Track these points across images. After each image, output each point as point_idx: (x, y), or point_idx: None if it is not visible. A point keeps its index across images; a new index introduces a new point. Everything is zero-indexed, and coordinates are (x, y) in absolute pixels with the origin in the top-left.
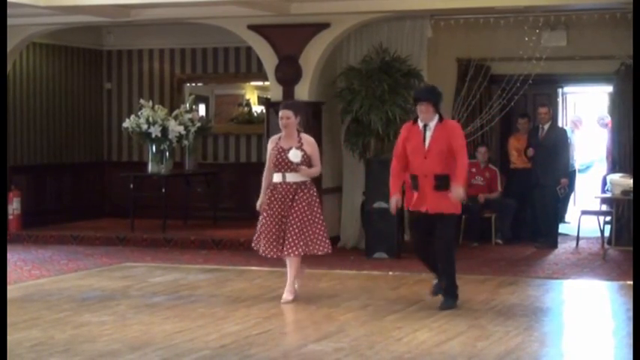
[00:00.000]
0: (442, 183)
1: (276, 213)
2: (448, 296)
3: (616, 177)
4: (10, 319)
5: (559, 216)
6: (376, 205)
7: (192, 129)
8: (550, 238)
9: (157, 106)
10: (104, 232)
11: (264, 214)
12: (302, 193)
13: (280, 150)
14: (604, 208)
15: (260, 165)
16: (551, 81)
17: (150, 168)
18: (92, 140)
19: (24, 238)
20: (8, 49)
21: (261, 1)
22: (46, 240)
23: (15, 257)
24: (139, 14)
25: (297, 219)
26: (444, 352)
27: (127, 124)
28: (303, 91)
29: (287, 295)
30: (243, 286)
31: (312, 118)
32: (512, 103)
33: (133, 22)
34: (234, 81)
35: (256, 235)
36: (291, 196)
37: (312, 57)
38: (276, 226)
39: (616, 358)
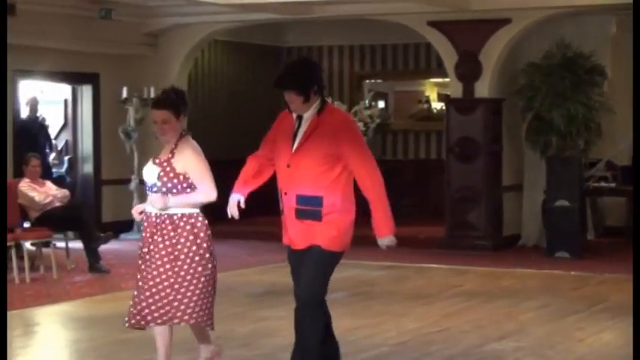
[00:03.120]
0: (309, 211)
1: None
2: None
3: None
4: None
5: None
6: (558, 203)
7: (372, 125)
8: None
9: (336, 103)
10: None
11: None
12: (166, 232)
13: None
14: None
15: (440, 162)
16: None
17: None
18: None
19: None
20: (190, 47)
21: None
22: (226, 234)
23: None
24: (320, 11)
25: (149, 271)
26: (628, 356)
27: None
28: (483, 88)
29: None
30: (422, 284)
31: (492, 115)
32: None
33: (312, 19)
34: (414, 77)
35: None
36: (149, 235)
37: (492, 53)
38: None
39: None
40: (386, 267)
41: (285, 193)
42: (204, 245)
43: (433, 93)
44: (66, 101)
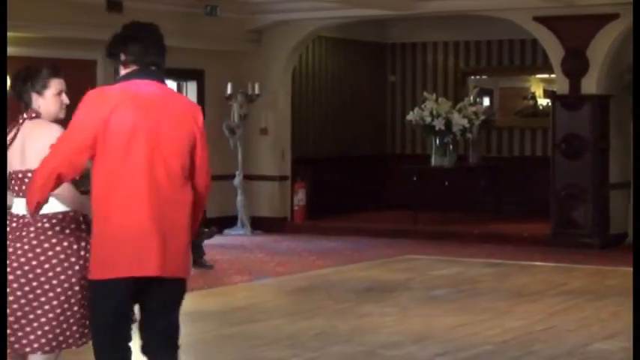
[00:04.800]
0: None
1: None
2: None
3: None
4: (295, 307)
5: None
6: None
7: (477, 122)
8: None
9: (440, 99)
10: (387, 224)
11: None
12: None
13: None
14: None
15: (546, 159)
16: None
17: (433, 161)
18: (376, 132)
19: (309, 229)
20: (294, 44)
21: None
22: (330, 231)
23: (300, 247)
24: (423, 7)
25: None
26: None
27: (410, 116)
28: (590, 85)
29: None
30: (526, 281)
31: (599, 112)
32: None
33: (416, 14)
34: (519, 74)
35: None
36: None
37: (599, 49)
38: None
39: None
40: (490, 264)
41: None
42: None
43: (539, 89)
44: None
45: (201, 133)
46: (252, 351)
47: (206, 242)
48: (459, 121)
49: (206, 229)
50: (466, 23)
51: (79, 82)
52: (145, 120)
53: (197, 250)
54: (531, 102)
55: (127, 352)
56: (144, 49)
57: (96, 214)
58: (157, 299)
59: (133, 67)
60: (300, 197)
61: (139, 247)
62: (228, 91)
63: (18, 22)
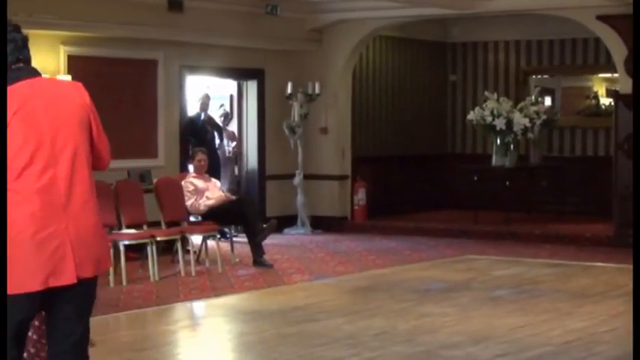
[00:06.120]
0: None
1: None
2: None
3: None
4: (355, 307)
5: None
6: None
7: (538, 122)
8: None
9: (501, 99)
10: (447, 223)
11: None
12: None
13: None
14: None
15: (608, 159)
16: None
17: (494, 160)
18: (436, 132)
19: (369, 229)
20: (354, 43)
21: None
22: (390, 230)
23: (360, 247)
24: (484, 6)
25: None
26: None
27: (471, 116)
28: None
29: None
30: (589, 282)
31: None
32: None
33: (478, 13)
34: (582, 73)
35: None
36: None
37: None
38: None
39: None
40: (551, 265)
41: None
42: None
43: (601, 89)
44: (231, 96)
45: (93, 112)
46: (311, 350)
47: (266, 242)
48: (520, 120)
49: (264, 225)
50: (527, 22)
51: (141, 80)
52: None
53: (257, 250)
54: (594, 101)
55: None
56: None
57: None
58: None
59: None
60: (361, 197)
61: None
62: (289, 90)
63: (80, 22)
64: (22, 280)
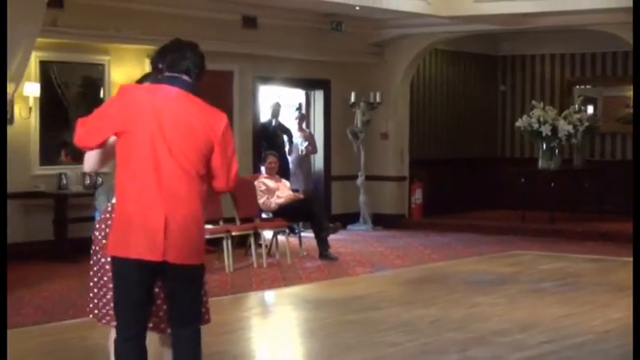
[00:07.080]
0: None
1: None
2: None
3: None
4: (412, 297)
5: None
6: None
7: (581, 128)
8: None
9: (547, 107)
10: (497, 221)
11: None
12: None
13: None
14: None
15: None
16: None
17: (540, 164)
18: (487, 137)
19: (425, 226)
20: (412, 56)
21: None
22: (444, 227)
23: (417, 242)
24: (534, 22)
25: None
26: None
27: (519, 123)
28: None
29: None
30: (627, 276)
31: None
32: None
33: (526, 29)
34: (621, 83)
35: None
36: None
37: None
38: None
39: None
40: (593, 260)
41: None
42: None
43: None
44: (300, 105)
45: (219, 141)
46: (371, 336)
47: (331, 236)
48: (564, 127)
49: (331, 225)
50: (572, 37)
51: (219, 90)
52: (154, 119)
53: (323, 244)
54: (632, 110)
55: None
56: (176, 60)
57: (116, 196)
58: (173, 282)
59: (166, 75)
60: (417, 196)
61: (149, 234)
62: (352, 99)
63: (163, 37)
64: None
